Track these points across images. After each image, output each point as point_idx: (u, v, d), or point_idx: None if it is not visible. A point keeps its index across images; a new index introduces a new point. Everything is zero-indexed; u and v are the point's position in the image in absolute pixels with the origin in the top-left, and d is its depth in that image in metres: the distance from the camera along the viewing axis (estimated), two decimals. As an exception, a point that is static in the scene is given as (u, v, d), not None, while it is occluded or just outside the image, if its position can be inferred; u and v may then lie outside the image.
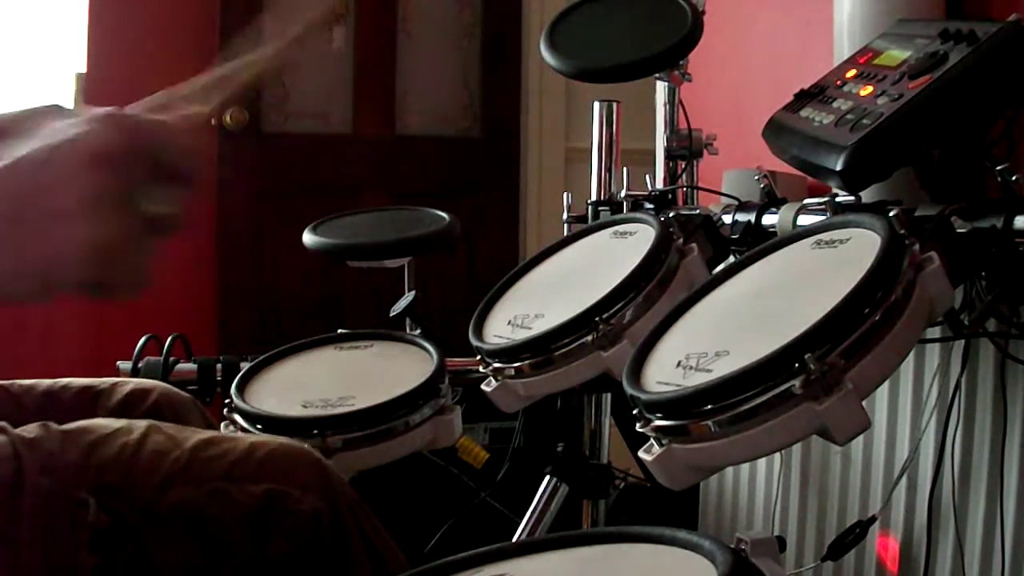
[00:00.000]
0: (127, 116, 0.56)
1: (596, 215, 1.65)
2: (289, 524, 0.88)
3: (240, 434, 1.09)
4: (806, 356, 0.78)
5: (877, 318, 0.81)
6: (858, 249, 0.90)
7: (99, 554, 0.80)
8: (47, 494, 0.80)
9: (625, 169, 1.65)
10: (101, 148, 0.53)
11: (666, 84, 1.68)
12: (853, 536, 1.35)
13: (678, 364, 0.90)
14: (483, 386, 1.17)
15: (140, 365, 1.68)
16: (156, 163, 0.56)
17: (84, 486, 0.82)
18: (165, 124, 0.59)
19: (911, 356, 1.35)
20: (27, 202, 0.52)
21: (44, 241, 0.52)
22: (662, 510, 1.68)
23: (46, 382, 1.14)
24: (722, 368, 0.84)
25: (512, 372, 1.13)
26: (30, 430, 0.85)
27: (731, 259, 1.30)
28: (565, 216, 1.73)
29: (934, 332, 1.27)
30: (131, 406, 1.13)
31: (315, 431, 1.18)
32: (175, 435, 0.91)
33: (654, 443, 0.87)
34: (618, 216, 1.40)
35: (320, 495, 0.90)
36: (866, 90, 1.18)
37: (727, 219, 1.40)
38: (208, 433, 0.95)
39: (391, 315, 1.62)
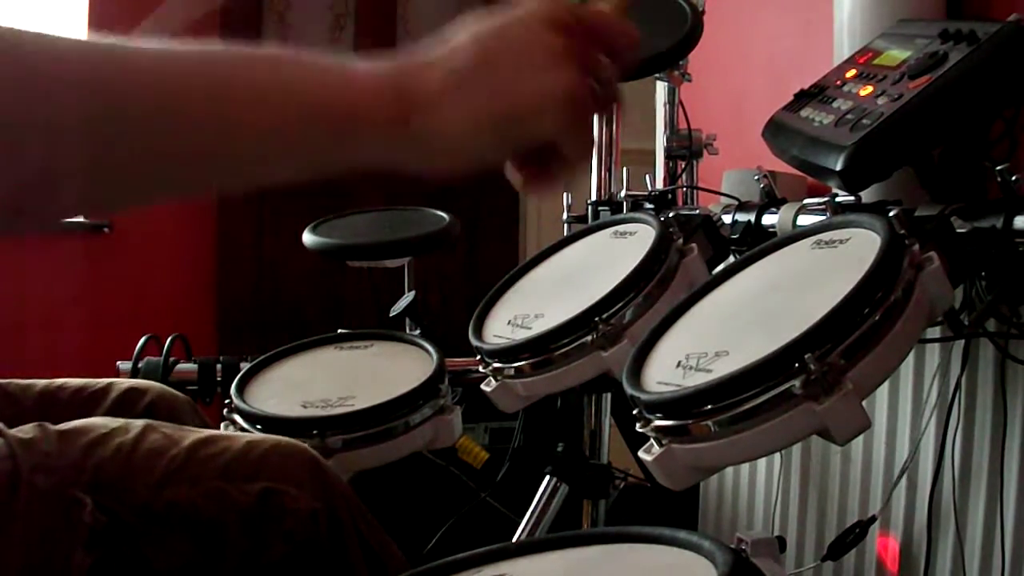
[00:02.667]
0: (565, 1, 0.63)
1: (596, 215, 1.65)
2: (286, 523, 0.88)
3: (237, 433, 1.09)
4: (806, 356, 0.78)
5: (877, 318, 0.81)
6: (858, 249, 0.90)
7: (95, 553, 0.80)
8: (43, 494, 0.80)
9: (625, 169, 1.65)
10: (554, 15, 0.60)
11: (666, 84, 1.68)
12: (853, 536, 1.35)
13: (678, 364, 0.90)
14: (483, 386, 1.17)
15: (140, 365, 1.69)
16: (595, 36, 0.62)
17: (80, 485, 0.82)
18: (598, 6, 0.66)
19: (911, 356, 1.35)
20: (502, 55, 0.59)
21: (517, 87, 0.58)
22: (662, 510, 1.68)
23: (42, 382, 1.15)
24: (722, 368, 0.84)
25: (512, 372, 1.13)
26: (26, 430, 0.85)
27: (731, 259, 1.30)
28: (565, 216, 1.73)
29: (934, 332, 1.27)
30: (127, 406, 1.13)
31: (315, 431, 1.18)
32: (172, 434, 0.91)
33: (654, 443, 0.87)
34: (618, 216, 1.40)
35: (317, 494, 0.90)
36: (866, 90, 1.18)
37: (727, 219, 1.40)
38: (205, 432, 0.95)
39: (391, 315, 1.62)
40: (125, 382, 1.19)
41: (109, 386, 1.17)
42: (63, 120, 0.50)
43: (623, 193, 1.60)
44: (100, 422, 0.91)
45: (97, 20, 2.70)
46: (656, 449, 0.86)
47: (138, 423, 0.91)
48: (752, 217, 1.37)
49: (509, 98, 0.59)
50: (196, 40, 0.56)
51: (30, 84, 0.50)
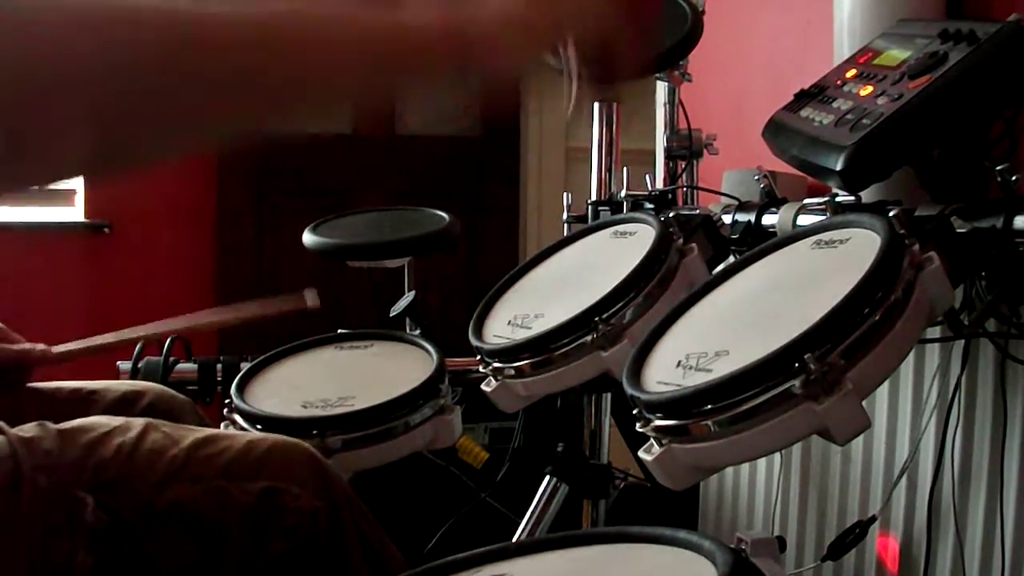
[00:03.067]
0: None
1: (596, 215, 1.65)
2: (287, 521, 0.88)
3: (237, 432, 1.09)
4: (806, 356, 0.78)
5: (877, 318, 0.81)
6: (858, 249, 0.90)
7: (97, 552, 0.80)
8: (45, 493, 0.80)
9: (625, 169, 1.65)
10: None
11: (666, 84, 1.68)
12: (853, 536, 1.35)
13: (678, 364, 0.90)
14: (483, 386, 1.17)
15: (140, 365, 1.69)
16: None
17: (82, 484, 0.82)
18: None
19: (911, 356, 1.35)
20: None
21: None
22: (662, 510, 1.68)
23: (39, 384, 1.15)
24: (722, 368, 0.84)
25: (512, 372, 1.13)
26: (28, 429, 0.86)
27: (731, 259, 1.30)
28: (565, 216, 1.73)
29: (934, 332, 1.27)
30: (124, 408, 1.14)
31: (315, 431, 1.18)
32: (172, 433, 0.91)
33: (654, 443, 0.87)
34: (618, 216, 1.40)
35: (318, 492, 0.90)
36: (866, 90, 1.18)
37: (727, 219, 1.40)
38: (206, 431, 0.95)
39: (391, 315, 1.62)
40: (123, 384, 1.19)
41: (106, 388, 1.17)
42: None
43: (623, 193, 1.60)
44: (101, 421, 0.91)
45: None
46: (656, 449, 0.86)
47: (139, 422, 0.91)
48: (752, 217, 1.37)
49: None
50: None
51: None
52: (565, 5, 0.60)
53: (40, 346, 1.20)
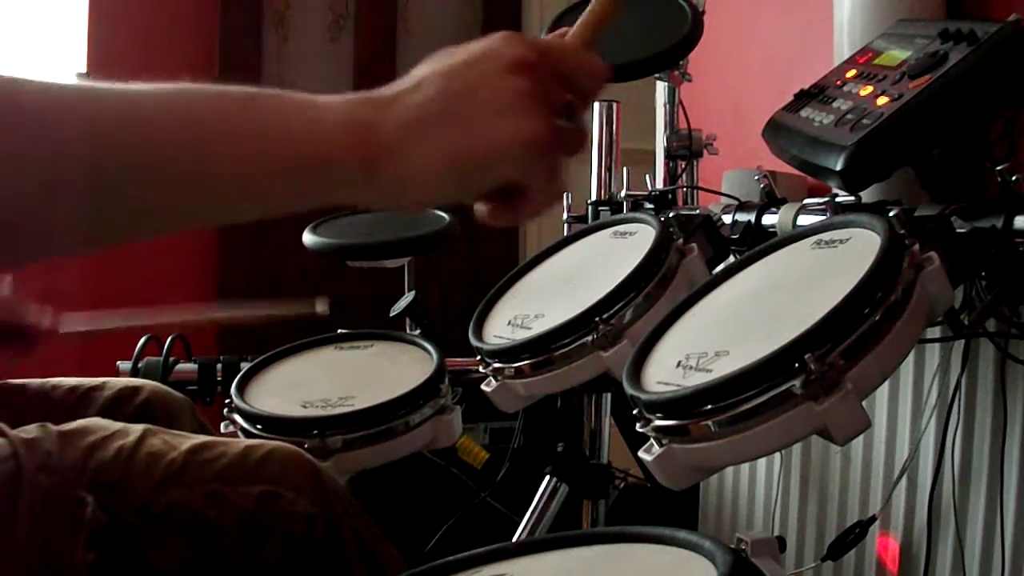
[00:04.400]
0: (530, 36, 0.63)
1: (596, 215, 1.65)
2: (283, 526, 0.88)
3: (234, 439, 1.09)
4: (806, 356, 0.78)
5: (877, 318, 0.81)
6: (858, 249, 0.90)
7: (97, 552, 0.80)
8: (45, 493, 0.81)
9: (625, 169, 1.65)
10: (518, 56, 0.60)
11: (666, 84, 1.68)
12: (853, 536, 1.35)
13: (678, 364, 0.90)
14: (483, 386, 1.17)
15: (140, 365, 1.69)
16: (561, 75, 0.62)
17: (82, 486, 0.83)
18: (563, 42, 0.66)
19: (911, 356, 1.35)
20: (466, 96, 0.59)
21: (480, 130, 0.58)
22: (662, 510, 1.68)
23: (36, 381, 1.15)
24: (722, 368, 0.84)
25: (512, 372, 1.13)
26: (29, 430, 0.86)
27: (731, 259, 1.30)
28: (565, 216, 1.73)
29: (934, 332, 1.27)
30: (121, 404, 1.14)
31: (315, 431, 1.18)
32: (170, 439, 0.92)
33: (654, 443, 0.87)
34: (618, 216, 1.40)
35: (314, 497, 0.91)
36: (866, 90, 1.18)
37: (727, 219, 1.40)
38: (203, 437, 0.95)
39: (391, 315, 1.62)
40: (120, 381, 1.19)
41: (104, 384, 1.17)
42: (59, 167, 0.51)
43: (623, 193, 1.60)
44: (101, 423, 0.91)
45: (97, 20, 2.70)
46: (656, 449, 0.86)
47: (138, 427, 0.92)
48: (752, 217, 1.37)
49: (474, 139, 0.58)
50: (165, 79, 0.57)
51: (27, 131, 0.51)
52: (476, 130, 0.59)
53: (48, 319, 1.20)
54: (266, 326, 2.91)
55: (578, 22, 0.68)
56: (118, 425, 0.92)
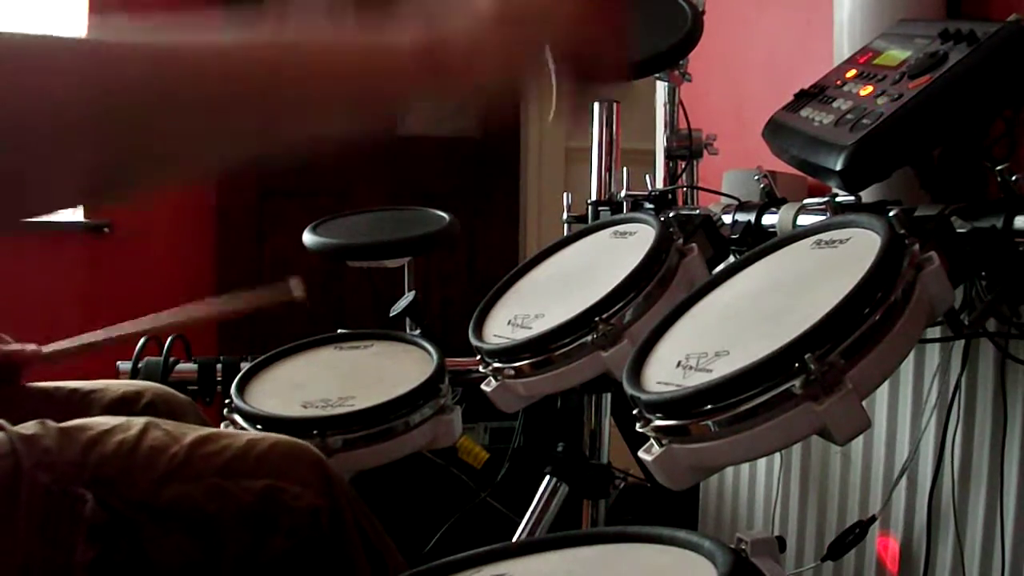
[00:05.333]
0: None
1: (596, 215, 1.65)
2: (287, 520, 0.88)
3: (238, 431, 1.09)
4: (806, 356, 0.78)
5: (877, 318, 0.81)
6: (858, 249, 0.90)
7: (97, 549, 0.80)
8: (45, 489, 0.81)
9: (625, 169, 1.65)
10: None
11: (666, 84, 1.68)
12: (853, 536, 1.35)
13: (678, 364, 0.90)
14: (483, 386, 1.17)
15: (140, 365, 1.68)
16: None
17: (82, 481, 0.82)
18: None
19: (911, 356, 1.35)
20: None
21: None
22: (662, 510, 1.68)
23: (38, 384, 1.15)
24: (722, 368, 0.84)
25: (512, 372, 1.13)
26: (28, 427, 0.86)
27: (731, 259, 1.30)
28: (565, 216, 1.73)
29: (934, 332, 1.27)
30: (123, 407, 1.13)
31: (315, 431, 1.18)
32: (173, 432, 0.91)
33: (654, 443, 0.87)
34: (618, 216, 1.40)
35: (318, 491, 0.90)
36: (866, 90, 1.18)
37: (727, 219, 1.40)
38: (206, 430, 0.95)
39: (391, 315, 1.62)
40: (122, 384, 1.19)
41: (105, 388, 1.17)
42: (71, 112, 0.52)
43: (623, 193, 1.60)
44: (101, 420, 0.91)
45: (97, 20, 2.70)
46: (656, 449, 0.86)
47: (139, 420, 0.91)
48: (752, 217, 1.37)
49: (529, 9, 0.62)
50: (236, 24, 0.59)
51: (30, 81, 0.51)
52: (535, 15, 0.62)
53: (31, 346, 1.21)
54: (262, 325, 2.91)
55: None
56: (119, 420, 0.91)
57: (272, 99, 0.58)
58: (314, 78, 0.59)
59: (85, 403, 1.14)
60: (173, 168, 0.60)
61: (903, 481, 1.38)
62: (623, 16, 0.65)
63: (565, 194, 1.75)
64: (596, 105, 1.73)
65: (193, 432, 0.92)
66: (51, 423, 0.87)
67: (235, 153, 0.61)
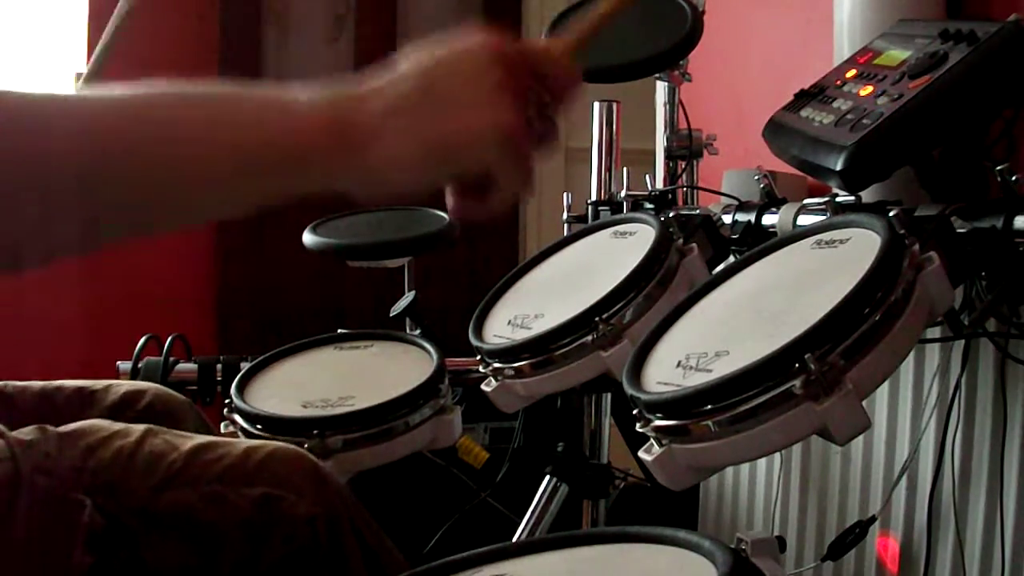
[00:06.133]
0: (511, 36, 0.66)
1: (596, 215, 1.65)
2: (284, 528, 0.88)
3: (236, 439, 1.09)
4: (806, 356, 0.78)
5: (877, 318, 0.81)
6: (858, 249, 0.90)
7: (95, 555, 0.80)
8: (44, 495, 0.80)
9: (625, 169, 1.65)
10: (496, 51, 0.63)
11: (666, 84, 1.68)
12: (853, 536, 1.35)
13: (678, 364, 0.90)
14: (483, 386, 1.17)
15: (140, 365, 1.69)
16: (538, 73, 0.65)
17: (80, 487, 0.82)
18: (543, 43, 0.70)
19: (911, 356, 1.35)
20: (442, 88, 0.61)
21: (454, 120, 0.61)
22: (662, 510, 1.68)
23: (39, 384, 1.15)
24: (722, 368, 0.84)
25: (512, 372, 1.13)
26: (27, 432, 0.85)
27: (731, 259, 1.30)
28: (565, 216, 1.73)
29: (934, 332, 1.27)
30: (125, 407, 1.13)
31: (315, 431, 1.18)
32: (171, 439, 0.91)
33: (654, 443, 0.87)
34: (618, 216, 1.40)
35: (316, 499, 0.90)
36: (866, 90, 1.18)
37: (727, 219, 1.40)
38: (204, 438, 0.95)
39: (391, 315, 1.62)
40: (123, 384, 1.19)
41: (107, 388, 1.16)
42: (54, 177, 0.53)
43: (623, 193, 1.60)
44: (101, 425, 0.91)
45: (97, 20, 2.70)
46: (656, 449, 0.86)
47: (139, 427, 0.91)
48: (752, 217, 1.37)
49: (448, 127, 0.61)
50: (143, 81, 0.58)
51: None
52: (450, 119, 0.61)
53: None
54: (262, 325, 2.90)
55: (571, 27, 0.71)
56: (119, 426, 0.91)
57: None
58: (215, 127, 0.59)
59: (87, 403, 1.14)
60: (167, 217, 0.61)
61: (903, 481, 1.38)
62: (530, 150, 0.65)
63: (565, 194, 1.75)
64: (596, 105, 1.73)
65: (191, 440, 0.92)
66: (50, 428, 0.87)
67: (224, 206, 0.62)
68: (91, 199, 0.54)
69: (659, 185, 1.71)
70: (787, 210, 1.32)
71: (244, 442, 0.96)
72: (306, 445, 1.12)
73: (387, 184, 0.62)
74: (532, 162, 0.65)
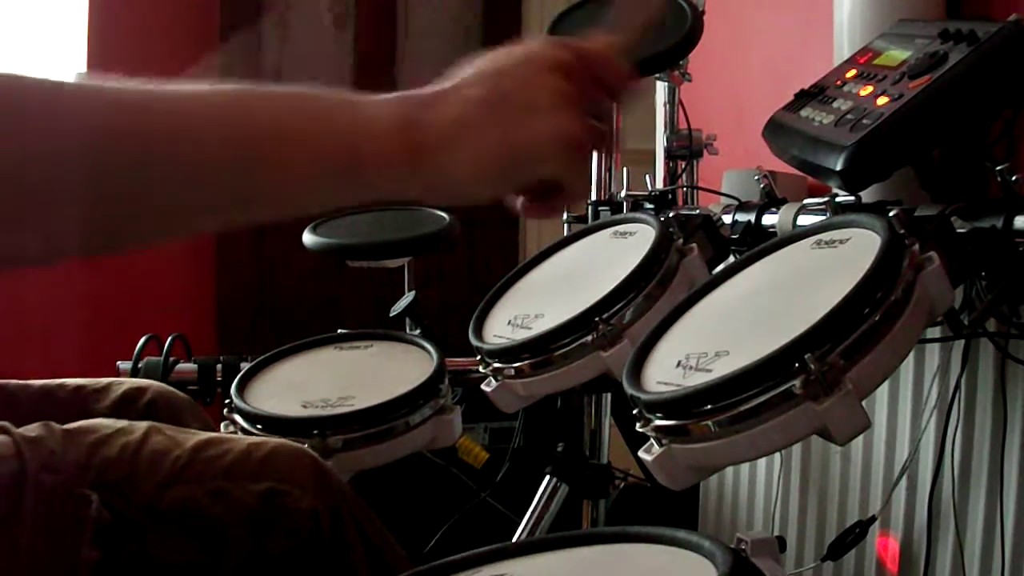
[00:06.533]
0: (572, 39, 0.67)
1: (596, 215, 1.65)
2: (288, 522, 0.88)
3: (239, 436, 1.09)
4: (806, 356, 0.78)
5: (877, 318, 0.81)
6: (858, 249, 0.90)
7: (102, 549, 0.80)
8: (50, 491, 0.81)
9: (625, 169, 1.65)
10: (557, 58, 0.63)
11: (666, 84, 1.68)
12: (853, 536, 1.35)
13: (678, 364, 0.90)
14: (483, 386, 1.17)
15: (140, 365, 1.69)
16: (596, 77, 0.65)
17: (86, 484, 0.83)
18: (598, 45, 0.68)
19: (911, 356, 1.35)
20: (508, 96, 0.61)
21: (522, 129, 0.61)
22: (662, 510, 1.68)
23: (41, 382, 1.15)
24: (722, 368, 0.84)
25: (512, 372, 1.13)
26: (32, 429, 0.86)
27: (731, 259, 1.30)
28: (565, 216, 1.73)
29: (934, 332, 1.27)
30: (126, 405, 1.14)
31: (315, 431, 1.18)
32: (175, 436, 0.92)
33: (654, 443, 0.87)
34: (618, 216, 1.39)
35: (319, 494, 0.91)
36: (866, 90, 1.18)
37: (727, 219, 1.40)
38: (207, 434, 0.95)
39: (391, 315, 1.62)
40: (125, 381, 1.19)
41: (109, 385, 1.17)
42: (68, 173, 0.52)
43: (623, 193, 1.60)
44: (105, 422, 0.92)
45: (97, 20, 2.70)
46: (656, 449, 0.86)
47: (142, 425, 0.92)
48: (752, 217, 1.37)
49: (515, 137, 0.61)
50: (204, 79, 0.58)
51: (31, 140, 0.51)
52: (521, 107, 0.61)
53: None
54: (261, 325, 2.90)
55: (619, 27, 0.72)
56: (123, 423, 0.92)
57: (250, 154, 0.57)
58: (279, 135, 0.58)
59: (89, 401, 1.14)
60: (171, 223, 0.59)
61: (903, 481, 1.38)
62: (589, 157, 0.66)
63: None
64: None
65: (194, 436, 0.93)
66: (55, 425, 0.88)
67: (225, 214, 0.61)
68: (114, 190, 0.53)
69: (659, 185, 1.71)
70: (787, 210, 1.32)
71: (246, 438, 0.96)
72: (306, 445, 1.12)
73: (454, 193, 0.62)
74: (589, 163, 0.66)
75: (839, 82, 1.26)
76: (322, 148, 0.59)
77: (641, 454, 0.88)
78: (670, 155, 1.71)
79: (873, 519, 1.37)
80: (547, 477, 1.48)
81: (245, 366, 1.39)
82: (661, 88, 1.72)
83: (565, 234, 1.44)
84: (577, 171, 0.64)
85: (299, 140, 0.58)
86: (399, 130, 0.60)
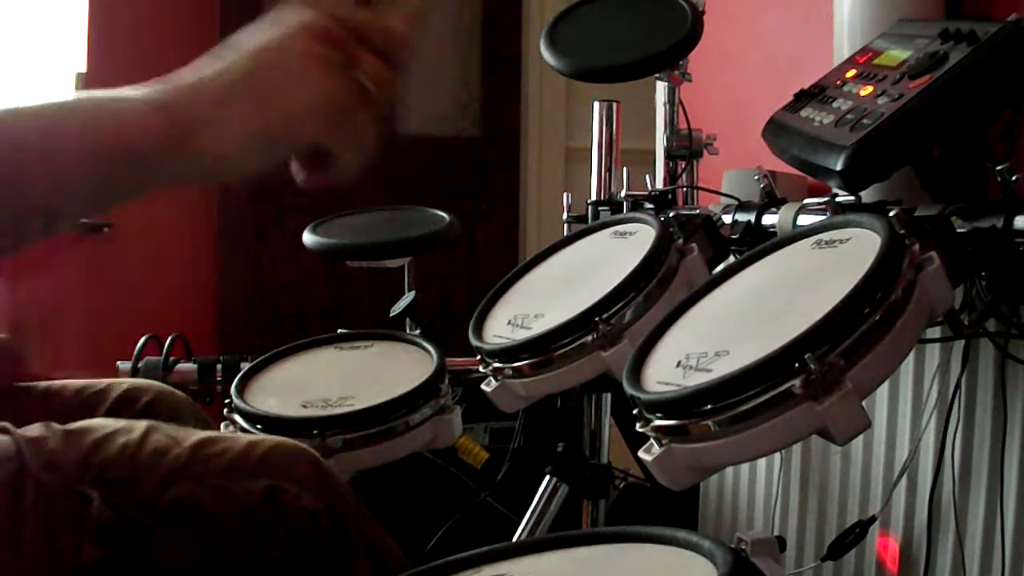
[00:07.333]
0: (330, 7, 0.68)
1: (596, 215, 1.65)
2: (287, 520, 0.88)
3: (238, 434, 1.09)
4: (806, 356, 0.78)
5: (877, 318, 0.81)
6: (858, 249, 0.90)
7: (103, 547, 0.80)
8: (50, 490, 0.81)
9: (625, 169, 1.65)
10: (319, 25, 0.65)
11: (666, 84, 1.68)
12: (853, 536, 1.35)
13: (678, 364, 0.90)
14: (483, 386, 1.17)
15: (140, 365, 1.68)
16: (359, 37, 0.66)
17: (86, 482, 0.83)
18: (370, 12, 0.69)
19: (911, 356, 1.35)
20: (266, 67, 0.63)
21: (281, 98, 0.63)
22: (662, 510, 1.68)
23: (43, 383, 1.15)
24: (722, 368, 0.84)
25: (512, 372, 1.13)
26: (32, 429, 0.86)
27: (731, 259, 1.30)
28: (565, 216, 1.73)
29: (934, 332, 1.27)
30: (126, 405, 1.14)
31: (315, 431, 1.18)
32: (175, 434, 0.92)
33: (654, 443, 0.87)
34: (618, 216, 1.40)
35: (318, 492, 0.91)
36: (866, 90, 1.18)
37: (727, 219, 1.40)
38: (207, 432, 0.95)
39: (391, 315, 1.62)
40: (125, 381, 1.19)
41: (109, 386, 1.17)
42: None
43: (623, 193, 1.60)
44: (104, 422, 0.92)
45: (97, 20, 2.70)
46: (656, 449, 0.86)
47: (142, 424, 0.92)
48: (752, 217, 1.37)
49: (278, 107, 0.63)
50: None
51: None
52: (278, 98, 0.63)
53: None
54: (261, 325, 2.90)
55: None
56: (123, 422, 0.92)
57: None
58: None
59: (89, 401, 1.14)
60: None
61: (903, 481, 1.39)
62: (367, 122, 0.67)
63: (565, 194, 1.75)
64: (596, 105, 1.73)
65: (194, 435, 0.93)
66: (56, 425, 0.88)
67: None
68: None
69: (659, 185, 1.71)
70: (787, 210, 1.32)
71: (246, 436, 0.96)
72: (306, 445, 1.12)
73: (228, 171, 0.65)
74: (366, 125, 0.67)
75: (839, 82, 1.26)
76: (88, 151, 0.60)
77: (641, 454, 0.88)
78: (670, 155, 1.71)
79: (873, 519, 1.37)
80: (547, 477, 1.48)
81: (245, 366, 1.39)
82: (661, 88, 1.72)
83: (565, 234, 1.45)
84: (346, 135, 0.65)
85: (65, 149, 0.60)
86: (163, 121, 0.61)
